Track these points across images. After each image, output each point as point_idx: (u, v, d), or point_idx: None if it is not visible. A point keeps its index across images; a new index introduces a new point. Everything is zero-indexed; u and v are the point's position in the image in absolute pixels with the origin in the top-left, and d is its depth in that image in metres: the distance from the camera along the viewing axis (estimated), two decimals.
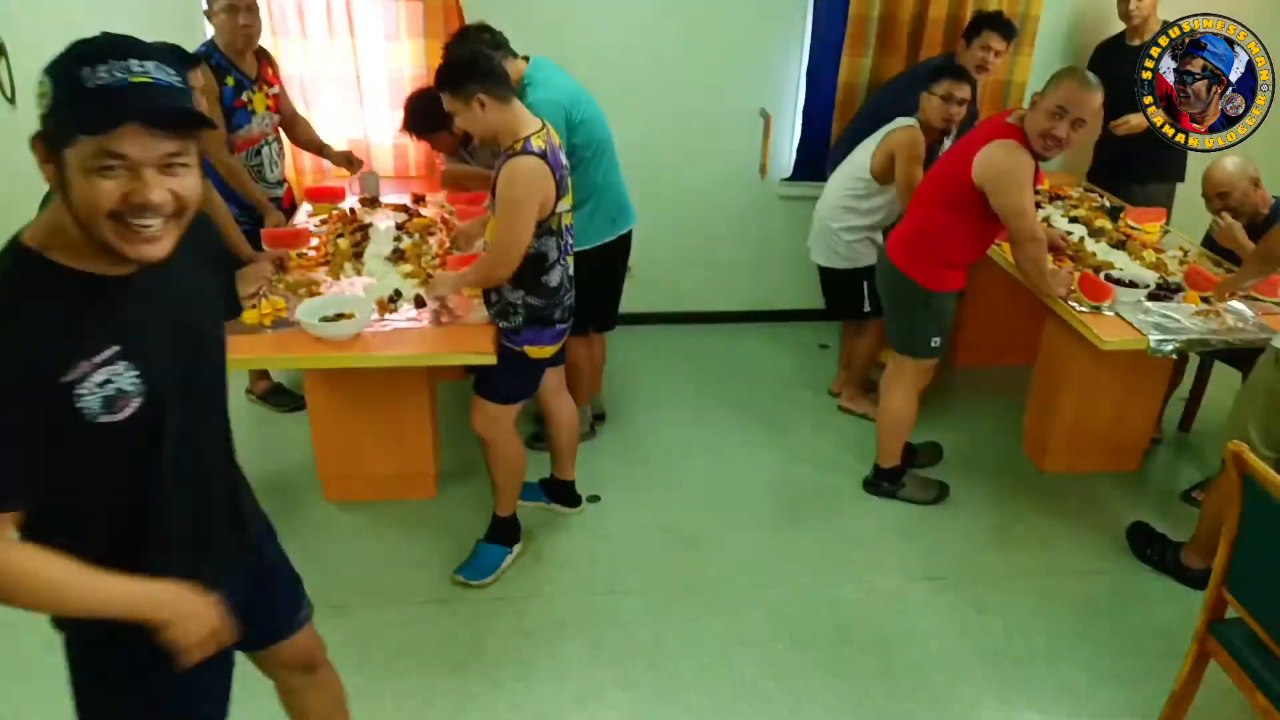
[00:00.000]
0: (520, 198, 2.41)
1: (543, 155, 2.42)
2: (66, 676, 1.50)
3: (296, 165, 4.02)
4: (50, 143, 1.18)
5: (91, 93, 1.12)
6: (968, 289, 3.26)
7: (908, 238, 3.06)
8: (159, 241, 1.21)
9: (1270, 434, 2.57)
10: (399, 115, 3.43)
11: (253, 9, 3.27)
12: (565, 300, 2.67)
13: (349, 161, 3.78)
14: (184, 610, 1.34)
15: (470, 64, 2.43)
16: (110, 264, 1.23)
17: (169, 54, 1.21)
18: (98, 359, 1.22)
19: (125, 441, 1.29)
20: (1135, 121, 3.83)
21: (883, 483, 3.36)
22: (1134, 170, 4.12)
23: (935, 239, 2.98)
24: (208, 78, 3.17)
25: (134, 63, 1.15)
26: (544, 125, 2.51)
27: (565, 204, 2.54)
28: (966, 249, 3.01)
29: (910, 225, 3.07)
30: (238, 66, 3.31)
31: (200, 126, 1.22)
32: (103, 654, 1.47)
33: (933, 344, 3.11)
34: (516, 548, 2.97)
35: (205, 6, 3.27)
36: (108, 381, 1.23)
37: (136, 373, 1.27)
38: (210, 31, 3.35)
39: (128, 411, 1.27)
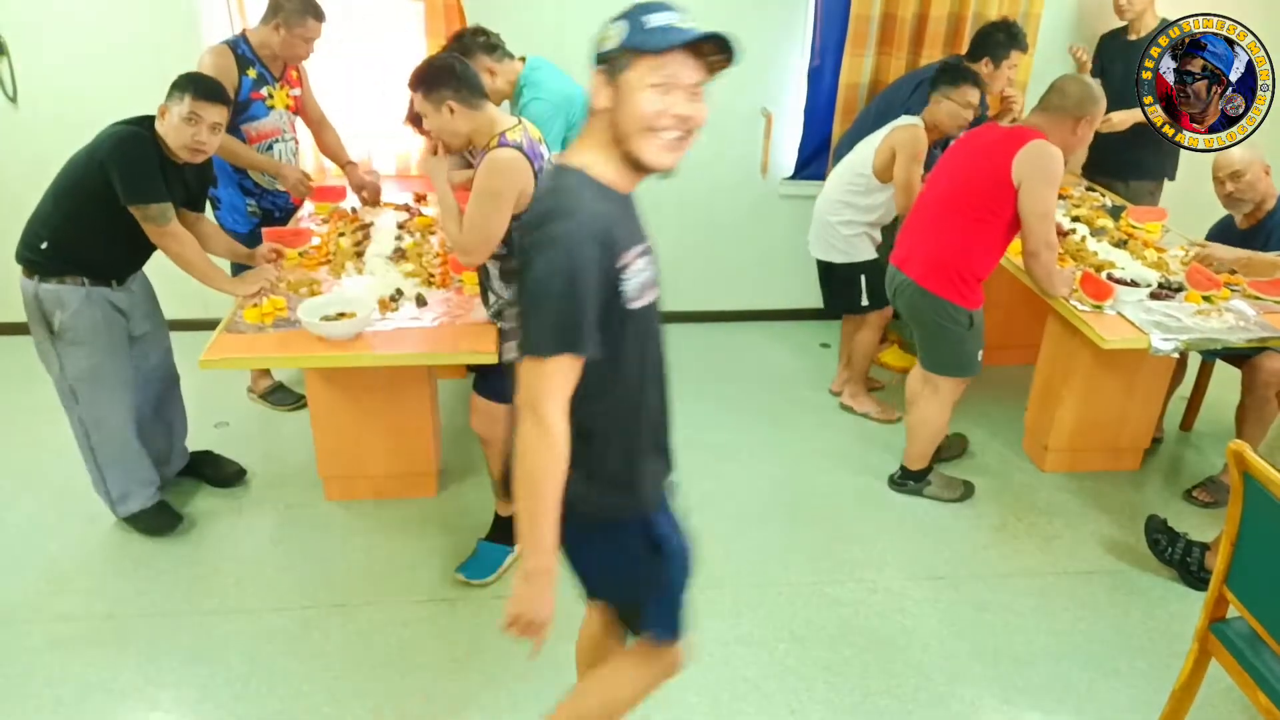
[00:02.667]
0: (497, 188, 2.41)
1: (519, 148, 2.42)
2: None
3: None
4: (612, 70, 1.50)
5: (653, 30, 1.47)
6: None
7: (940, 260, 2.99)
8: (675, 152, 1.53)
9: None
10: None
11: (319, 37, 3.36)
12: None
13: (360, 189, 3.76)
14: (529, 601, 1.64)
15: (444, 70, 2.47)
16: (627, 181, 1.57)
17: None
18: (636, 250, 1.55)
19: (640, 328, 1.59)
20: (1117, 119, 3.92)
21: (909, 481, 3.36)
22: (1120, 167, 4.16)
23: (970, 253, 2.95)
24: (227, 63, 3.19)
25: (675, 14, 1.49)
26: (519, 122, 2.51)
27: None
28: (991, 260, 3.00)
29: (939, 246, 2.99)
30: (263, 61, 3.34)
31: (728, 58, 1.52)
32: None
33: (978, 359, 3.12)
34: (518, 547, 2.96)
35: (272, 18, 3.27)
36: (642, 270, 1.56)
37: (655, 268, 1.62)
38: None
39: (647, 299, 1.60)
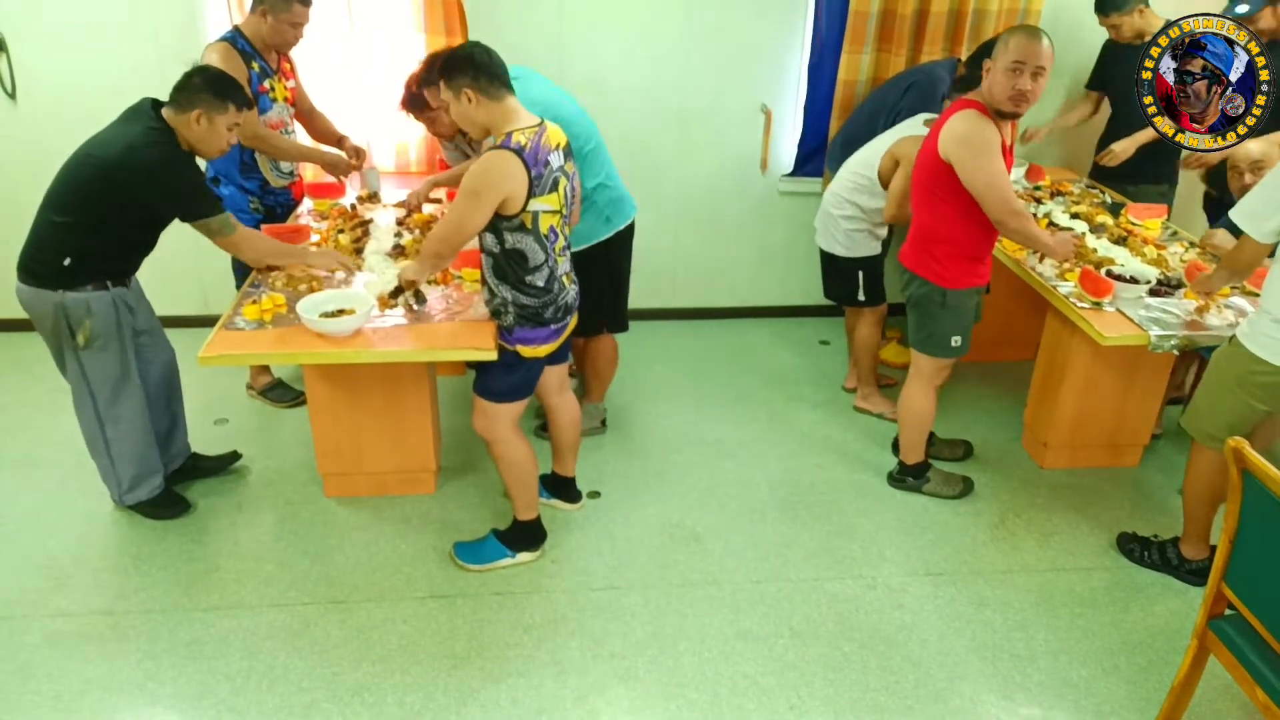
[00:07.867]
0: (477, 189, 2.39)
1: (519, 151, 2.39)
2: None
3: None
4: None
5: None
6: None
7: (914, 240, 3.07)
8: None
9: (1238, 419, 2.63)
10: (399, 114, 3.42)
11: (307, 23, 3.36)
12: (560, 299, 2.63)
13: (357, 154, 3.75)
14: None
15: (465, 59, 2.42)
16: None
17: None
18: None
19: None
20: (1119, 149, 4.00)
21: (907, 478, 3.37)
22: (1130, 174, 4.15)
23: (940, 234, 2.96)
24: (236, 62, 3.19)
25: None
26: (540, 124, 2.48)
27: (546, 204, 2.47)
28: (977, 235, 2.96)
29: (914, 228, 3.08)
30: (262, 55, 3.35)
31: None
32: None
33: (953, 343, 3.10)
34: (523, 556, 2.94)
35: (258, 5, 3.27)
36: None
37: None
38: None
39: None
